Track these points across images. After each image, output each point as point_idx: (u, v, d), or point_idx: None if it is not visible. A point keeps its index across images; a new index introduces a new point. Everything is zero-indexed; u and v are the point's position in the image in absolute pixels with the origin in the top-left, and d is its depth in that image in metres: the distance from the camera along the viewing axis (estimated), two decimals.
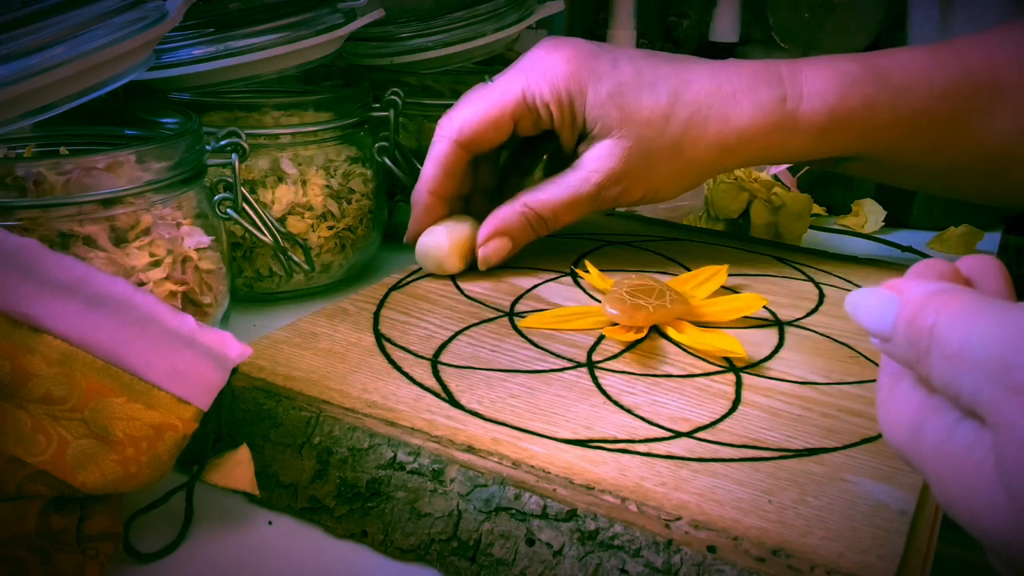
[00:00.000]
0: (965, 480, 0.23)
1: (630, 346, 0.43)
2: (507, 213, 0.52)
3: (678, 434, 0.36)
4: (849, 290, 0.52)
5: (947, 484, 0.23)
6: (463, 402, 0.38)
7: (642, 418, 0.37)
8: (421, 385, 0.39)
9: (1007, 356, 0.21)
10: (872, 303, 0.26)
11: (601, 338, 0.44)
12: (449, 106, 0.64)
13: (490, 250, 0.52)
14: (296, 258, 0.51)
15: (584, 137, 0.52)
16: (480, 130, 0.51)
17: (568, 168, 0.53)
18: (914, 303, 0.24)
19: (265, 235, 0.48)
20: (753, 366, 0.42)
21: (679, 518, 0.30)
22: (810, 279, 0.54)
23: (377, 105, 0.58)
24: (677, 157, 0.51)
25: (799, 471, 0.34)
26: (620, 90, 0.50)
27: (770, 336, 0.46)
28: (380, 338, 0.43)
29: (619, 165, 0.50)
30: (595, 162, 0.51)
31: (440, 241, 0.51)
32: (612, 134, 0.50)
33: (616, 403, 0.38)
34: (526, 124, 0.52)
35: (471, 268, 0.53)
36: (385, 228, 0.61)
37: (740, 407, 0.38)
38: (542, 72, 0.51)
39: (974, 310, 0.23)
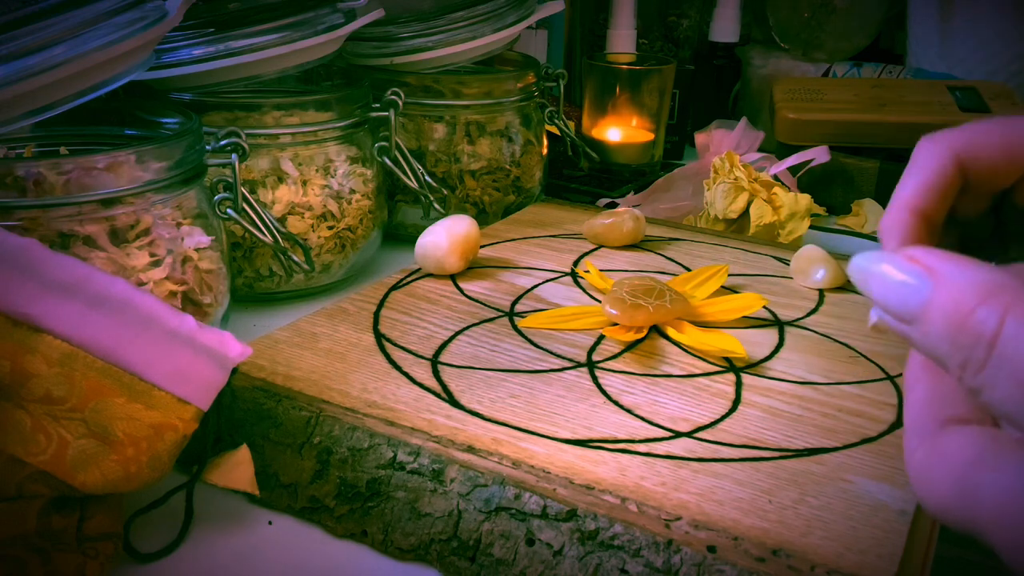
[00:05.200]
0: None
1: (630, 346, 0.43)
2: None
3: (678, 434, 0.36)
4: (848, 291, 0.52)
5: None
6: (463, 402, 0.38)
7: (642, 418, 0.37)
8: (421, 385, 0.39)
9: None
10: (891, 277, 0.20)
11: (601, 338, 0.44)
12: (450, 107, 0.64)
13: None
14: (296, 258, 0.51)
15: None
16: (984, 143, 0.35)
17: None
18: (961, 294, 0.19)
19: (265, 235, 0.48)
20: (753, 366, 0.42)
21: (679, 518, 0.30)
22: None
23: (377, 105, 0.58)
24: None
25: (799, 471, 0.34)
26: None
27: (770, 336, 0.46)
28: (380, 338, 0.43)
29: None
30: None
31: (440, 241, 0.51)
32: None
33: (616, 403, 0.38)
34: None
35: (471, 268, 0.53)
36: (385, 228, 0.61)
37: (740, 407, 0.38)
38: None
39: None
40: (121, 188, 0.40)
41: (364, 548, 0.34)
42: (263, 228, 0.48)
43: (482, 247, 0.56)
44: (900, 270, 0.20)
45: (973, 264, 0.19)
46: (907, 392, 0.23)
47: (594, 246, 0.58)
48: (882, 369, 0.42)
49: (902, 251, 0.20)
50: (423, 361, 0.41)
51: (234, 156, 0.46)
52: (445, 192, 0.63)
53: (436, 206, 0.61)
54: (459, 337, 0.44)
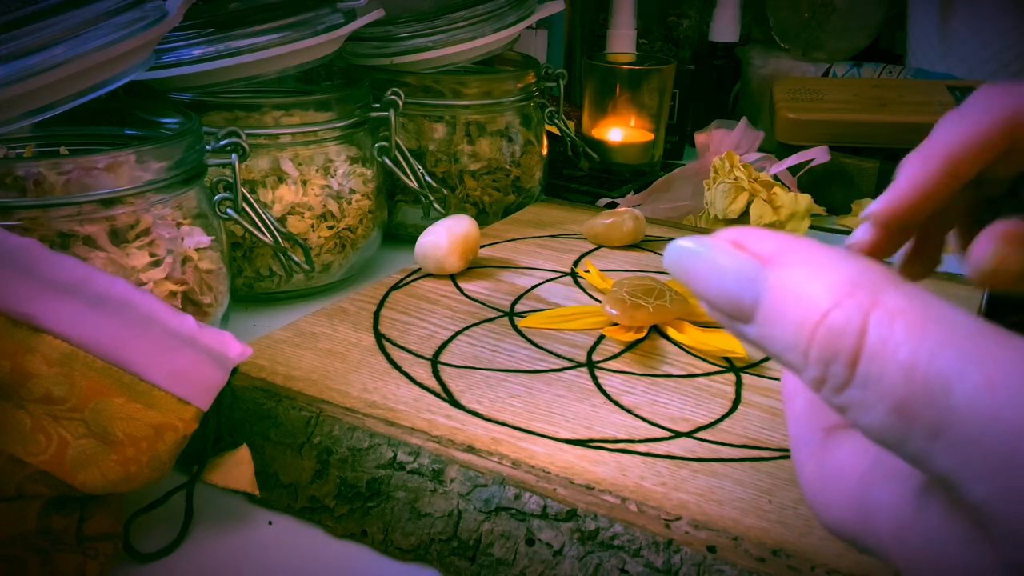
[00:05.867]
0: None
1: (630, 346, 0.43)
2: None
3: (678, 434, 0.36)
4: None
5: None
6: (463, 402, 0.38)
7: (642, 418, 0.37)
8: (421, 385, 0.39)
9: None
10: (715, 266, 0.16)
11: (601, 338, 0.44)
12: (450, 107, 0.64)
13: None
14: (296, 258, 0.51)
15: None
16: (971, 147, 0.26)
17: None
18: (808, 292, 0.15)
19: (265, 235, 0.48)
20: (753, 366, 0.42)
21: (679, 518, 0.30)
22: None
23: (377, 105, 0.58)
24: None
25: None
26: None
27: None
28: (380, 338, 0.43)
29: None
30: None
31: (440, 241, 0.51)
32: None
33: (616, 403, 0.38)
34: None
35: (471, 268, 0.53)
36: (385, 228, 0.61)
37: (740, 407, 0.38)
38: None
39: (939, 326, 0.14)
40: (121, 188, 0.40)
41: (364, 548, 0.34)
42: (263, 228, 0.48)
43: (482, 247, 0.56)
44: (726, 259, 0.16)
45: (821, 250, 0.15)
46: (786, 405, 0.21)
47: (594, 246, 0.58)
48: None
49: (724, 234, 0.17)
50: (423, 361, 0.41)
51: (234, 156, 0.46)
52: (445, 192, 0.63)
53: (436, 206, 0.61)
54: (459, 337, 0.44)
